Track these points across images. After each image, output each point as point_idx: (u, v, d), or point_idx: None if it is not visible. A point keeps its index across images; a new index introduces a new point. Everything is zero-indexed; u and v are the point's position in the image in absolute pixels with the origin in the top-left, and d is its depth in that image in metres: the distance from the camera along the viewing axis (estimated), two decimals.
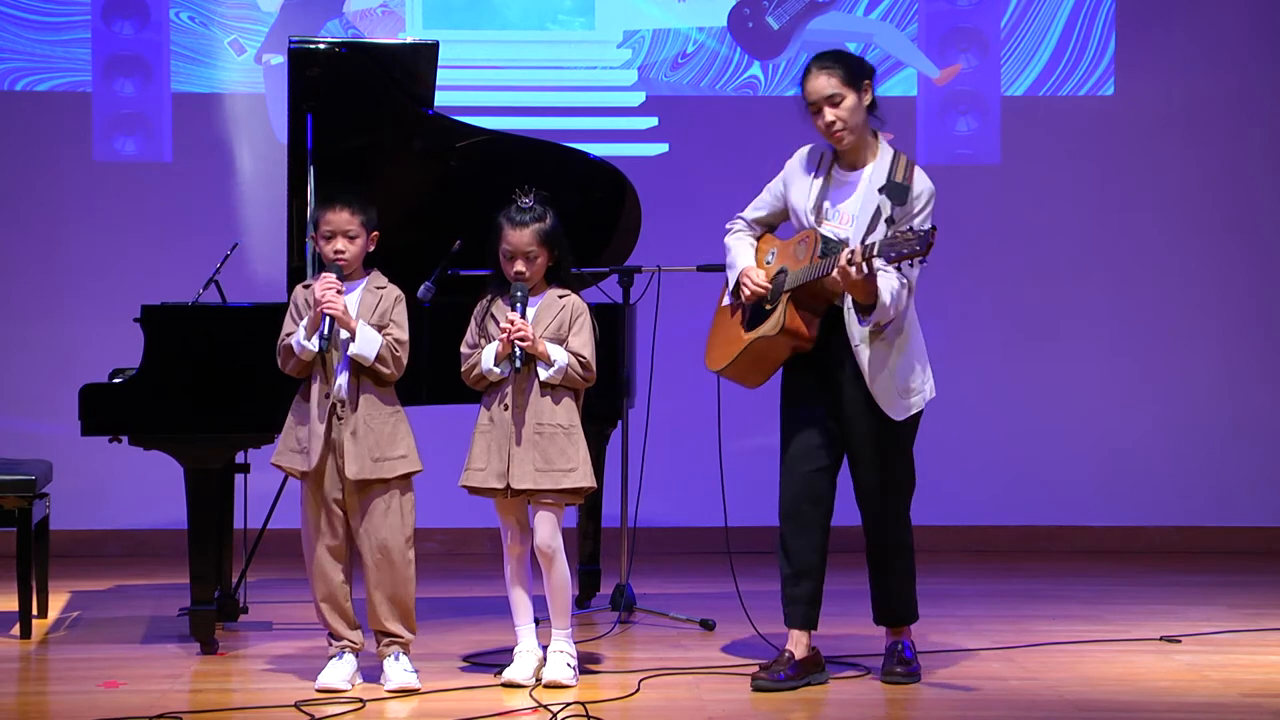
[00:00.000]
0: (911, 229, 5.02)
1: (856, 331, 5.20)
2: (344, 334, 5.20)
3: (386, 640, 5.32)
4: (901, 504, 5.38)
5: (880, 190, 5.18)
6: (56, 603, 6.55)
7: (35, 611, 6.19)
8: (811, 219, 5.28)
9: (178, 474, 5.73)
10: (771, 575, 5.45)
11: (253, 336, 5.76)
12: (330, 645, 5.35)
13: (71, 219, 7.97)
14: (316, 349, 5.18)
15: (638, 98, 8.11)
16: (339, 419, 5.23)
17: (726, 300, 5.47)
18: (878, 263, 5.02)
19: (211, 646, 5.75)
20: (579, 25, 8.11)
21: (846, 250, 5.04)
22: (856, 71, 5.26)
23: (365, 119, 6.02)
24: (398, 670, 5.27)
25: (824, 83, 5.23)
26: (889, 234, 5.04)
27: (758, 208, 5.49)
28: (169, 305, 5.86)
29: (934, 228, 4.97)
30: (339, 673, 5.28)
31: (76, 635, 6.16)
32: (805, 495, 5.33)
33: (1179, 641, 5.98)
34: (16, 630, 6.05)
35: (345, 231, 5.26)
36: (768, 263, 5.36)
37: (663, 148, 8.09)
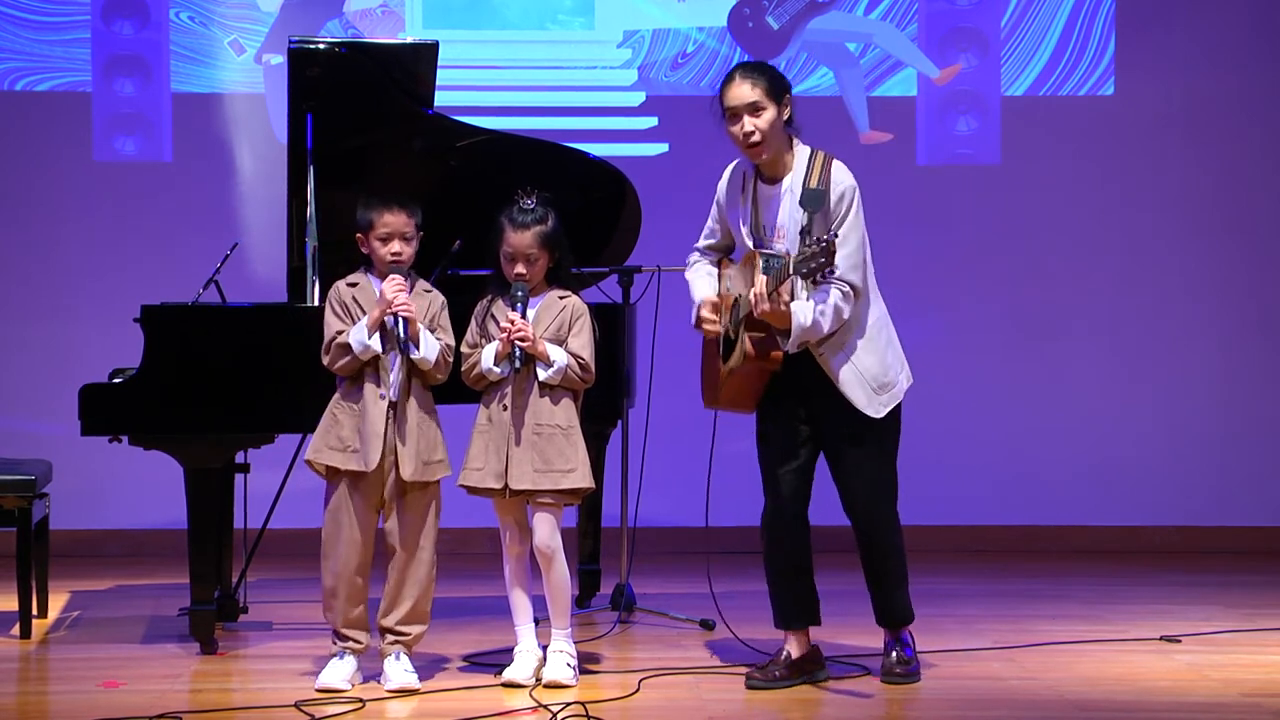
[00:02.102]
0: (817, 240, 4.98)
1: (819, 343, 5.19)
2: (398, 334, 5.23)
3: (391, 639, 5.33)
4: (889, 506, 5.36)
5: (800, 204, 5.16)
6: (56, 603, 6.55)
7: (35, 611, 6.18)
8: (751, 242, 5.29)
9: (178, 474, 5.73)
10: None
11: (253, 336, 5.77)
12: (334, 644, 5.35)
13: (71, 219, 7.96)
14: (397, 350, 5.19)
15: (638, 98, 8.11)
16: (392, 420, 5.24)
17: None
18: (800, 285, 5.06)
19: (211, 646, 5.75)
20: (579, 25, 8.11)
21: (752, 289, 5.06)
22: (778, 85, 5.25)
23: (365, 119, 6.02)
24: (398, 670, 5.28)
25: (747, 90, 5.22)
26: (800, 251, 5.01)
27: (707, 236, 5.51)
28: (169, 305, 5.86)
29: (834, 236, 4.97)
30: (339, 672, 5.29)
31: (76, 635, 6.16)
32: (779, 498, 5.34)
33: (1179, 641, 5.98)
34: (16, 630, 6.05)
35: (403, 234, 5.27)
36: (728, 289, 5.37)
37: (663, 148, 8.09)
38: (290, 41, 5.97)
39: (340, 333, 5.23)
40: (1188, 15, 8.16)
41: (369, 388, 5.25)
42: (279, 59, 7.75)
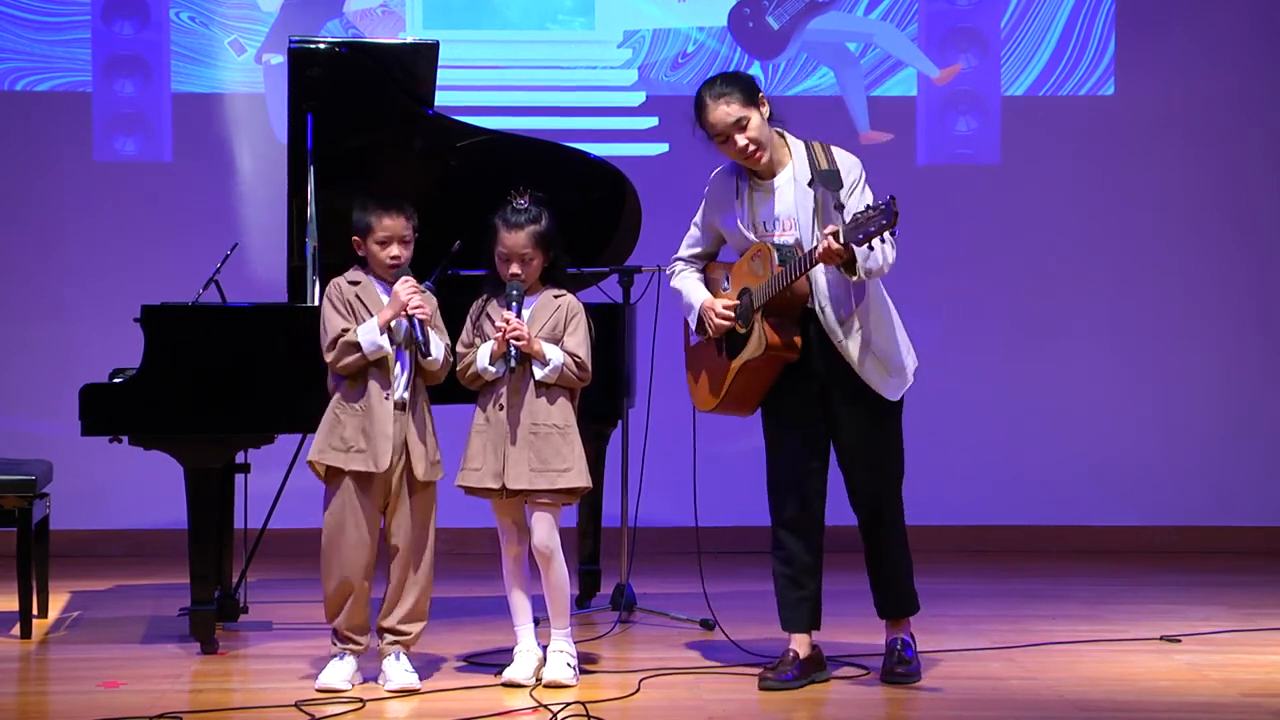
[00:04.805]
0: (871, 206, 4.99)
1: (837, 329, 5.20)
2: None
3: (391, 639, 5.33)
4: (896, 492, 5.37)
5: (811, 185, 5.18)
6: (56, 603, 6.55)
7: (35, 611, 6.19)
8: (753, 238, 5.28)
9: (178, 474, 5.73)
10: (767, 575, 5.44)
11: (253, 336, 5.77)
12: (333, 645, 5.35)
13: (71, 219, 7.97)
14: (407, 351, 5.21)
15: (638, 98, 8.11)
16: (401, 420, 5.24)
17: (694, 340, 5.47)
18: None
19: (211, 646, 5.76)
20: (579, 25, 8.11)
21: (823, 241, 5.01)
22: (749, 89, 5.25)
23: (365, 119, 6.02)
24: (398, 670, 5.28)
25: (724, 109, 5.22)
26: (849, 219, 5.00)
27: (691, 245, 5.51)
28: (169, 305, 5.86)
29: (893, 197, 4.93)
30: (339, 673, 5.29)
31: (76, 635, 6.16)
32: (798, 498, 5.33)
33: (1179, 641, 5.98)
34: (16, 630, 6.06)
35: (401, 237, 5.28)
36: (725, 289, 5.36)
37: (663, 148, 8.09)
38: (290, 41, 5.98)
39: (346, 330, 5.23)
40: (1188, 15, 8.16)
41: (374, 388, 5.24)
42: (279, 59, 7.75)
